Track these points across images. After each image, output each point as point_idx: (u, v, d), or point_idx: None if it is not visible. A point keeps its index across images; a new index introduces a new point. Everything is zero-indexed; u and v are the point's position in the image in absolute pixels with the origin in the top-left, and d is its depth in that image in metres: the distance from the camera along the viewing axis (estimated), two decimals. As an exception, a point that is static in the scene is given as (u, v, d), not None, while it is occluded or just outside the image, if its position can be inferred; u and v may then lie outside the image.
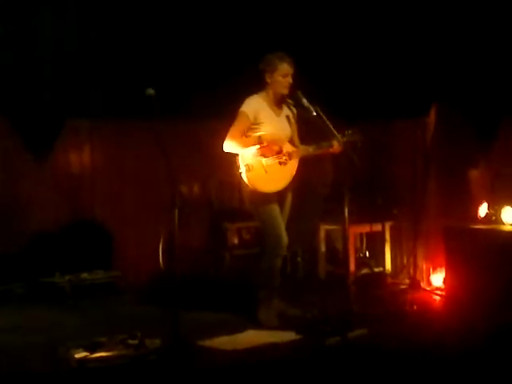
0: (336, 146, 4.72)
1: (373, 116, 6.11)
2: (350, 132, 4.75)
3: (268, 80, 4.75)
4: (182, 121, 6.14)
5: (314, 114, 4.62)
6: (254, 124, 4.70)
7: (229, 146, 4.64)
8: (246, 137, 4.70)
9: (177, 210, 4.15)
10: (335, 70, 6.29)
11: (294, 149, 4.81)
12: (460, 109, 5.73)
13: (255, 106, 4.72)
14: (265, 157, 4.65)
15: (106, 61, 6.04)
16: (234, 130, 4.66)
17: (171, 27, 6.14)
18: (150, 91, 4.21)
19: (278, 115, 4.83)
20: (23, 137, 5.98)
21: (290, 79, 4.73)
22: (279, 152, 4.70)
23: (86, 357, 3.81)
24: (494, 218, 5.18)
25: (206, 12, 6.21)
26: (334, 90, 6.13)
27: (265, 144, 4.63)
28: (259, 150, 4.62)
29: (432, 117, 6.06)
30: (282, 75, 4.71)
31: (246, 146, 4.64)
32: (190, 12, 6.19)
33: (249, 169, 4.61)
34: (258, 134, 4.68)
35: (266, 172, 4.66)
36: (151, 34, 6.07)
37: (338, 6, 6.26)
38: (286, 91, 4.76)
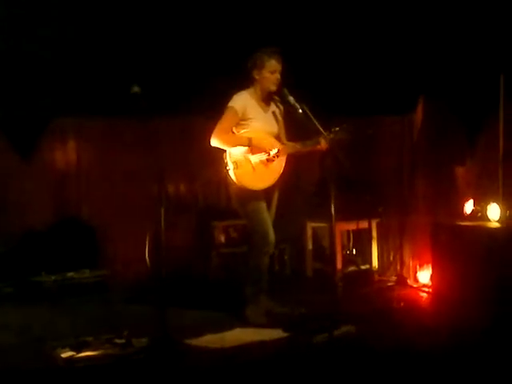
0: (323, 143, 4.72)
1: (359, 112, 6.10)
2: (336, 129, 4.74)
3: (256, 76, 4.74)
4: (168, 119, 6.12)
5: (300, 111, 4.62)
6: (242, 120, 4.70)
7: (216, 141, 4.63)
8: (233, 133, 4.70)
9: (163, 209, 4.14)
10: (321, 66, 6.28)
11: (281, 146, 4.81)
12: (446, 105, 5.75)
13: (243, 101, 4.72)
14: (253, 154, 4.65)
15: (92, 59, 5.99)
16: (222, 125, 4.66)
17: (158, 24, 6.10)
18: (136, 89, 4.19)
19: (266, 112, 4.83)
20: (9, 136, 5.95)
21: (278, 75, 4.73)
22: (267, 153, 4.71)
23: (72, 356, 3.80)
24: (479, 214, 5.20)
25: (194, 8, 6.18)
26: (320, 86, 6.12)
27: (252, 149, 4.64)
28: (247, 150, 4.63)
29: (419, 113, 6.08)
30: (271, 71, 4.71)
31: (234, 145, 4.64)
32: (177, 8, 6.15)
33: (236, 166, 4.62)
34: (246, 133, 4.68)
35: (254, 169, 4.66)
36: (138, 30, 6.04)
37: (326, 3, 6.26)
38: (274, 88, 4.75)
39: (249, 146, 4.64)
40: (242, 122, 4.71)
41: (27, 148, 6.03)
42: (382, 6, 6.01)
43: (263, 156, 4.70)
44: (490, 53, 5.42)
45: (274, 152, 4.73)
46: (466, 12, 5.49)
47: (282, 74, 4.74)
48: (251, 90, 4.79)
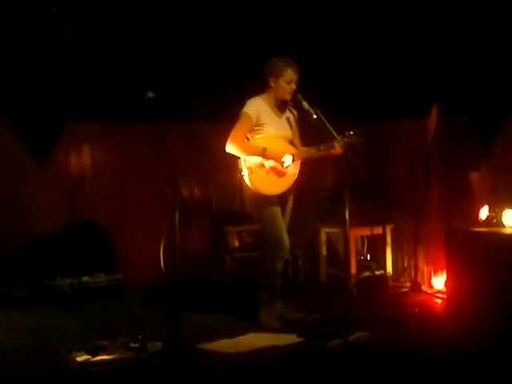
0: (337, 148, 4.71)
1: (374, 117, 6.09)
2: (350, 133, 4.75)
3: (272, 84, 4.75)
4: (182, 123, 6.15)
5: (315, 116, 4.63)
6: (256, 125, 4.71)
7: (232, 148, 4.65)
8: (248, 139, 4.71)
9: (178, 213, 4.15)
10: (336, 71, 6.28)
11: (295, 151, 4.81)
12: (462, 110, 5.73)
13: (257, 107, 4.73)
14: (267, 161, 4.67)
15: (107, 64, 6.03)
16: (237, 131, 4.67)
17: (172, 29, 6.12)
18: (150, 94, 4.21)
19: (280, 117, 4.84)
20: (24, 139, 6.00)
21: (293, 86, 4.73)
22: (281, 164, 4.71)
23: (87, 360, 3.81)
24: (495, 220, 5.16)
25: (208, 15, 6.20)
26: (335, 90, 6.12)
27: (268, 160, 4.65)
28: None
29: (433, 118, 6.06)
30: (286, 82, 4.71)
31: (249, 153, 4.65)
32: (192, 16, 6.18)
33: (251, 171, 4.63)
34: (261, 139, 4.68)
35: (268, 175, 4.67)
36: (152, 36, 6.06)
37: (340, 7, 6.25)
38: (288, 97, 4.77)
39: (263, 157, 4.65)
40: (256, 128, 4.72)
41: (43, 152, 6.09)
42: (396, 9, 6.00)
43: (277, 166, 4.70)
44: (505, 57, 5.39)
45: (287, 164, 4.72)
46: (480, 16, 5.47)
47: (298, 83, 4.74)
48: (265, 95, 4.80)
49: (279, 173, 4.71)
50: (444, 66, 5.73)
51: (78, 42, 5.96)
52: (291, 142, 4.88)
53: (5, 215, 5.96)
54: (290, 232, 4.78)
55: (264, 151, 4.65)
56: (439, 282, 5.78)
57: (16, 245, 5.94)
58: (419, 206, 6.10)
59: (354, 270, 5.83)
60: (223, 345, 4.28)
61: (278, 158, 4.69)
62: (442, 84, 5.77)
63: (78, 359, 3.81)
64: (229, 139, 4.65)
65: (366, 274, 6.06)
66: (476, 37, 5.49)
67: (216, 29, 6.20)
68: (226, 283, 6.08)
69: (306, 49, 5.86)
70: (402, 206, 6.18)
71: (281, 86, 4.73)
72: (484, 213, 5.30)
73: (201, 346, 4.19)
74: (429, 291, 5.77)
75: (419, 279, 5.95)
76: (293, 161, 4.74)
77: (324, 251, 6.20)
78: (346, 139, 4.71)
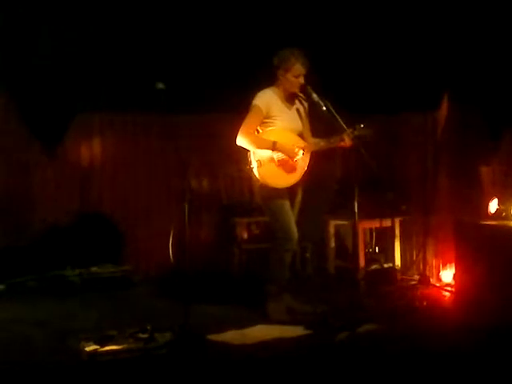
0: (347, 140, 4.70)
1: (383, 110, 6.08)
2: (360, 126, 4.73)
3: (280, 77, 4.74)
4: (191, 115, 6.15)
5: (324, 108, 4.62)
6: (267, 118, 4.70)
7: (242, 141, 4.64)
8: (258, 131, 4.71)
9: (187, 204, 4.16)
10: (345, 63, 6.26)
11: (305, 144, 4.81)
12: (472, 103, 5.70)
13: (268, 99, 4.72)
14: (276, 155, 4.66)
15: (118, 56, 6.04)
16: (248, 124, 4.66)
17: (183, 22, 6.13)
18: (160, 85, 4.22)
19: (290, 109, 4.83)
20: (34, 130, 6.02)
21: (301, 80, 4.72)
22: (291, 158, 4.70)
23: (96, 350, 3.83)
24: (504, 213, 5.15)
25: (218, 7, 6.19)
26: (345, 83, 6.10)
27: (278, 153, 4.64)
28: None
29: (443, 110, 6.03)
30: (295, 76, 4.70)
31: (259, 147, 4.65)
32: (201, 8, 6.17)
33: (260, 164, 4.63)
34: (271, 131, 4.68)
35: (278, 168, 4.67)
36: (163, 28, 6.07)
37: (348, 1, 6.24)
38: (296, 90, 4.76)
39: (273, 150, 4.65)
40: (266, 120, 4.71)
41: (52, 143, 6.10)
42: (405, 2, 5.97)
43: (287, 159, 4.69)
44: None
45: (297, 158, 4.71)
46: (489, 9, 5.44)
47: (306, 77, 4.73)
48: (275, 87, 4.79)
49: (289, 166, 4.71)
50: (454, 60, 5.70)
51: (89, 33, 5.98)
52: (301, 135, 4.87)
53: (15, 206, 6.00)
54: (298, 224, 4.78)
55: (274, 145, 4.65)
56: (448, 275, 5.77)
57: (26, 235, 5.97)
58: (428, 199, 6.09)
59: (362, 262, 5.83)
60: (231, 336, 4.29)
61: (288, 152, 4.69)
62: (451, 77, 5.75)
63: (87, 349, 3.83)
64: (239, 132, 4.65)
65: (375, 266, 6.05)
66: (485, 31, 5.47)
67: (226, 19, 6.20)
68: (235, 275, 6.09)
69: (314, 42, 5.85)
70: (411, 198, 6.18)
71: (289, 79, 4.72)
72: (493, 206, 5.29)
73: (209, 337, 4.21)
74: (437, 284, 5.76)
75: (428, 272, 5.94)
76: (303, 154, 4.73)
77: (332, 243, 6.19)
78: (356, 132, 4.69)
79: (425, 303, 5.15)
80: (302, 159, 4.75)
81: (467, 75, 5.63)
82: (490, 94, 5.55)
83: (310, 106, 4.88)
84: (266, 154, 4.66)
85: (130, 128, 6.39)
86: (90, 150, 6.32)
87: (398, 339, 4.19)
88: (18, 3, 5.83)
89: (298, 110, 4.88)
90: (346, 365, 3.80)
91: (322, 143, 4.84)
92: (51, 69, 5.94)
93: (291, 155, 4.69)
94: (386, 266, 6.07)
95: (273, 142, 4.65)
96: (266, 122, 4.71)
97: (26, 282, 5.67)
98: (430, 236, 6.08)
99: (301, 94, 4.85)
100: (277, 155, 4.66)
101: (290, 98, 4.83)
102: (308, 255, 6.35)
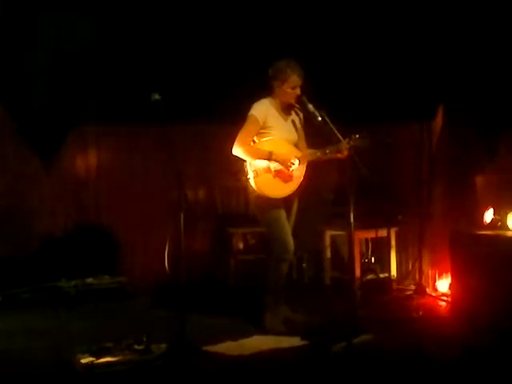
0: (343, 151, 4.71)
1: (378, 119, 6.09)
2: (356, 136, 4.74)
3: (276, 88, 4.76)
4: (187, 126, 6.15)
5: (320, 119, 4.64)
6: (263, 128, 4.71)
7: (238, 151, 4.66)
8: (254, 142, 4.72)
9: (183, 215, 4.16)
10: (340, 73, 6.29)
11: (301, 154, 4.82)
12: (466, 112, 5.72)
13: (265, 110, 4.73)
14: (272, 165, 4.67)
15: (112, 67, 6.05)
16: (244, 134, 4.68)
17: (178, 33, 6.15)
18: (156, 96, 4.22)
19: (286, 120, 4.85)
20: (30, 142, 6.02)
21: (298, 91, 4.73)
22: (287, 168, 4.71)
23: (92, 362, 3.82)
24: (499, 223, 5.16)
25: (213, 17, 6.22)
26: (339, 93, 6.12)
27: (274, 163, 4.65)
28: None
29: (438, 120, 6.05)
30: (291, 87, 4.72)
31: (256, 157, 4.66)
32: (196, 18, 6.19)
33: (256, 174, 4.64)
34: (267, 142, 4.69)
35: (274, 178, 4.68)
36: (158, 39, 6.08)
37: (343, 10, 6.26)
38: (292, 101, 4.78)
39: (269, 160, 4.66)
40: (263, 131, 4.72)
41: (49, 154, 6.10)
42: (400, 12, 6.00)
43: (283, 169, 4.70)
44: (510, 60, 5.38)
45: (293, 168, 4.72)
46: (486, 20, 5.47)
47: (302, 88, 4.74)
48: (271, 98, 4.80)
49: (285, 176, 4.72)
50: (449, 69, 5.72)
51: (86, 43, 5.98)
52: (297, 145, 4.88)
53: (11, 218, 5.99)
54: (294, 235, 4.78)
55: (270, 155, 4.66)
56: (444, 284, 5.78)
57: (21, 247, 5.95)
58: (424, 209, 6.09)
59: (358, 272, 5.82)
60: (227, 347, 4.29)
61: (284, 162, 4.69)
62: (446, 87, 5.77)
63: (83, 361, 3.82)
64: (235, 142, 4.66)
65: (371, 276, 6.05)
66: (480, 40, 5.49)
67: (222, 31, 6.22)
68: (231, 285, 6.08)
69: (310, 52, 5.87)
70: (406, 208, 6.18)
71: (285, 91, 4.73)
72: (489, 216, 5.29)
73: (205, 348, 4.20)
74: (433, 294, 5.77)
75: (424, 282, 5.94)
76: (299, 164, 4.74)
77: (328, 254, 6.19)
78: (351, 142, 4.70)
79: (421, 313, 5.16)
80: (298, 169, 4.76)
81: (462, 85, 5.66)
82: (485, 104, 5.58)
83: (305, 116, 4.89)
84: (263, 164, 4.67)
85: (126, 139, 6.39)
86: (86, 162, 6.31)
87: (394, 349, 4.20)
88: (13, 15, 5.83)
89: (293, 121, 4.89)
90: (342, 375, 3.80)
91: (317, 154, 4.84)
92: (47, 81, 5.95)
93: (287, 165, 4.70)
94: (381, 275, 6.07)
95: (269, 152, 4.66)
96: (263, 133, 4.72)
97: (21, 293, 5.65)
98: (425, 246, 6.07)
99: (297, 105, 4.86)
100: (273, 165, 4.67)
101: (286, 109, 4.85)
102: (304, 265, 6.36)
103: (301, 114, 4.93)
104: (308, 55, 5.53)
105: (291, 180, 4.75)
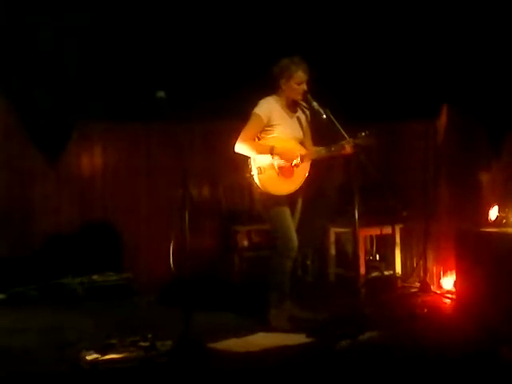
0: (348, 148, 4.71)
1: (384, 118, 6.09)
2: (361, 134, 4.73)
3: (282, 86, 4.75)
4: (192, 123, 6.15)
5: (324, 116, 4.63)
6: (268, 126, 4.72)
7: (240, 148, 4.66)
8: (259, 139, 4.72)
9: (187, 213, 4.16)
10: (345, 72, 6.28)
11: (306, 152, 4.82)
12: (471, 110, 5.71)
13: (269, 107, 4.73)
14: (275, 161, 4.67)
15: (118, 64, 6.05)
16: (247, 131, 4.68)
17: (183, 30, 6.15)
18: (161, 94, 4.22)
19: (291, 117, 4.85)
20: (36, 139, 6.03)
21: (304, 86, 4.73)
22: (289, 162, 4.71)
23: (97, 359, 3.83)
24: (504, 221, 5.16)
25: (217, 15, 6.22)
26: (345, 91, 6.12)
27: (278, 160, 4.65)
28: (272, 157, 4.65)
29: (443, 118, 6.05)
30: (297, 83, 4.71)
31: (258, 152, 4.66)
32: (201, 15, 6.20)
33: (260, 171, 4.64)
34: (272, 139, 4.69)
35: (278, 175, 4.68)
36: (163, 37, 6.09)
37: (348, 8, 6.26)
38: (299, 97, 4.77)
39: (271, 154, 4.66)
40: (267, 128, 4.73)
41: (54, 152, 6.12)
42: (405, 11, 6.00)
43: (286, 164, 4.70)
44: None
45: (295, 162, 4.72)
46: (490, 19, 5.46)
47: (308, 83, 4.74)
48: (276, 95, 4.80)
49: (289, 173, 4.72)
50: (454, 68, 5.72)
51: (91, 40, 6.00)
52: (302, 143, 4.88)
53: (17, 215, 6.02)
54: (298, 232, 4.79)
55: (272, 149, 4.65)
56: (448, 282, 5.77)
57: (28, 245, 5.98)
58: (429, 207, 6.09)
59: (362, 270, 5.83)
60: (232, 344, 4.30)
61: (286, 156, 4.69)
62: (451, 85, 5.76)
63: (88, 358, 3.82)
64: (238, 139, 4.67)
65: (375, 274, 6.05)
66: (485, 39, 5.49)
67: (226, 29, 6.22)
68: (236, 283, 6.08)
69: (316, 50, 5.86)
70: (411, 206, 6.17)
71: (291, 87, 4.73)
72: (494, 213, 5.29)
73: (210, 345, 4.20)
74: (438, 291, 5.76)
75: (428, 279, 5.93)
76: (302, 160, 4.74)
77: (333, 251, 6.19)
78: (356, 140, 4.70)
79: (425, 310, 5.15)
80: (302, 167, 4.76)
81: (467, 83, 5.65)
82: (490, 101, 5.57)
83: (311, 114, 4.89)
84: (267, 161, 4.67)
85: (131, 137, 6.41)
86: (91, 159, 6.33)
87: (398, 346, 4.19)
88: (18, 12, 5.85)
89: (299, 118, 4.89)
90: (347, 372, 3.80)
91: (323, 151, 4.84)
92: (53, 78, 5.96)
93: (290, 159, 4.69)
94: (386, 273, 6.07)
95: (270, 147, 4.65)
96: (267, 130, 4.73)
97: (27, 291, 5.67)
98: (430, 243, 6.07)
99: (303, 102, 4.86)
100: (277, 162, 4.67)
101: (291, 106, 4.85)
102: (309, 262, 6.36)
103: (307, 112, 4.93)
104: (314, 54, 5.52)
105: (295, 177, 4.74)
